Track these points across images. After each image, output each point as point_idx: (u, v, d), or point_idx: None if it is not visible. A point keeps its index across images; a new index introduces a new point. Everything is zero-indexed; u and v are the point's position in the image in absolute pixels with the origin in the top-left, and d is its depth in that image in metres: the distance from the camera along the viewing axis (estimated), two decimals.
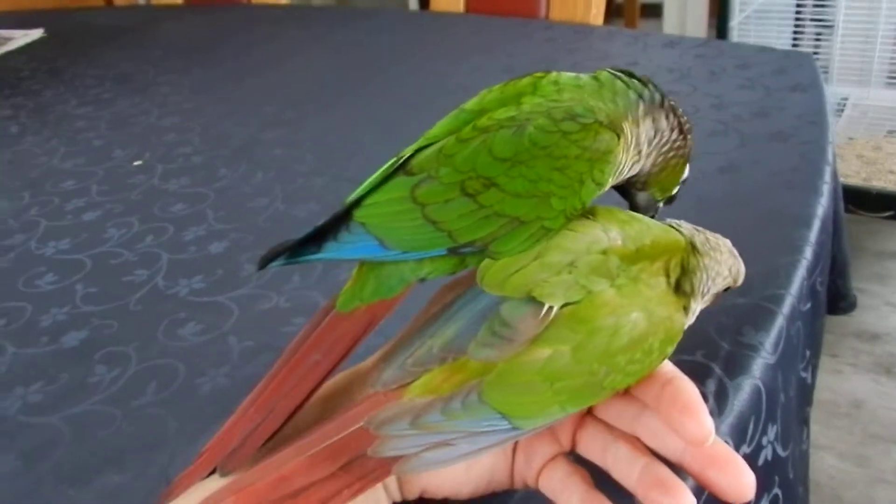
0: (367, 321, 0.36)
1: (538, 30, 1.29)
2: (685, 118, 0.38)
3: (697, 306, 0.36)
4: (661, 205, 0.42)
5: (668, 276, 0.34)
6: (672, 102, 0.38)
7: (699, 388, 0.45)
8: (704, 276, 0.36)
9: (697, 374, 0.46)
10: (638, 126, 0.36)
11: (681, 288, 0.34)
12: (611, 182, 0.36)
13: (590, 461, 0.35)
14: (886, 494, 1.31)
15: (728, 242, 0.38)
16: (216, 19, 1.71)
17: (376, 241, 0.34)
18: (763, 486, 0.48)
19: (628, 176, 0.38)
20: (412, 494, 0.38)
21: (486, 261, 0.33)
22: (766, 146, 0.76)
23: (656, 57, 1.07)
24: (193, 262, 0.71)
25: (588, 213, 0.35)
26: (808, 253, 0.58)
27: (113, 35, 1.65)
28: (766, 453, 0.48)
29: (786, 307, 0.52)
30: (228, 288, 0.66)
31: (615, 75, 0.37)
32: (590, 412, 0.36)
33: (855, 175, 1.79)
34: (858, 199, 1.70)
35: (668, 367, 0.33)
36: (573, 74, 0.37)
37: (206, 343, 0.59)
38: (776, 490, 0.49)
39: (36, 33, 1.71)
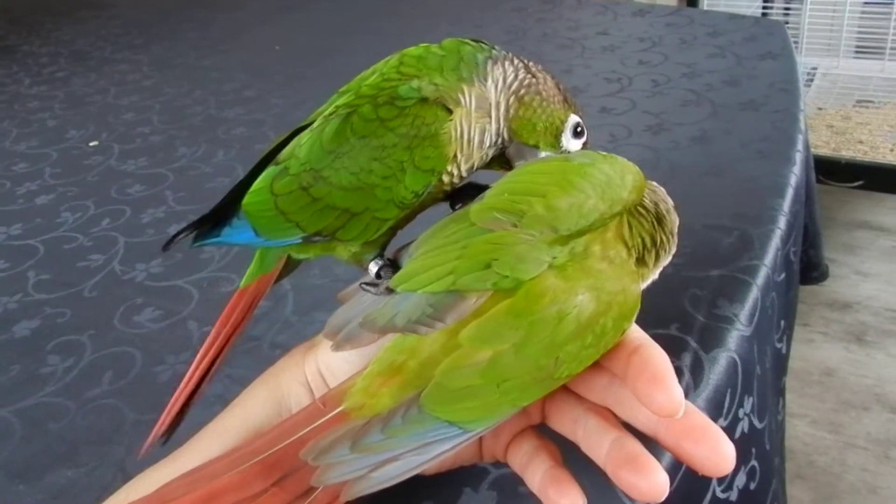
0: (254, 292, 0.39)
1: None
2: (533, 63, 0.36)
3: (657, 270, 0.34)
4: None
5: (627, 245, 0.31)
6: (517, 55, 0.36)
7: (674, 362, 0.44)
8: (663, 237, 0.33)
9: (672, 348, 0.45)
10: (486, 82, 0.34)
11: (643, 260, 0.32)
12: (463, 160, 0.34)
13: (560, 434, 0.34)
14: (857, 459, 1.33)
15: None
16: None
17: (252, 229, 0.37)
18: (740, 459, 0.47)
19: (496, 138, 0.35)
20: None
21: (407, 266, 0.31)
22: (738, 115, 0.75)
23: (626, 26, 1.05)
24: (151, 246, 0.68)
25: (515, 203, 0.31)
26: (782, 222, 0.57)
27: (68, 10, 1.59)
28: (743, 426, 0.47)
29: (760, 278, 0.51)
30: (188, 271, 0.63)
31: (461, 41, 0.35)
32: None
33: (824, 145, 1.80)
34: (828, 170, 1.71)
35: (635, 333, 0.31)
36: (423, 46, 0.36)
37: (165, 329, 0.57)
38: (753, 462, 0.48)
39: None
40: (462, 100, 0.33)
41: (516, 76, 0.35)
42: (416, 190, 0.33)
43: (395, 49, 0.36)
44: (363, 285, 0.34)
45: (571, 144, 0.36)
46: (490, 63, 0.34)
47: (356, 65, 0.39)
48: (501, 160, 0.37)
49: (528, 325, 0.28)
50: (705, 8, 1.98)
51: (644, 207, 0.33)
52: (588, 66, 0.94)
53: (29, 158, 0.90)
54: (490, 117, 0.34)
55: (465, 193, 0.37)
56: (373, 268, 0.36)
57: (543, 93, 0.35)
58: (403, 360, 0.30)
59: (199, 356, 0.39)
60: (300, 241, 0.36)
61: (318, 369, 0.35)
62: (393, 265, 0.36)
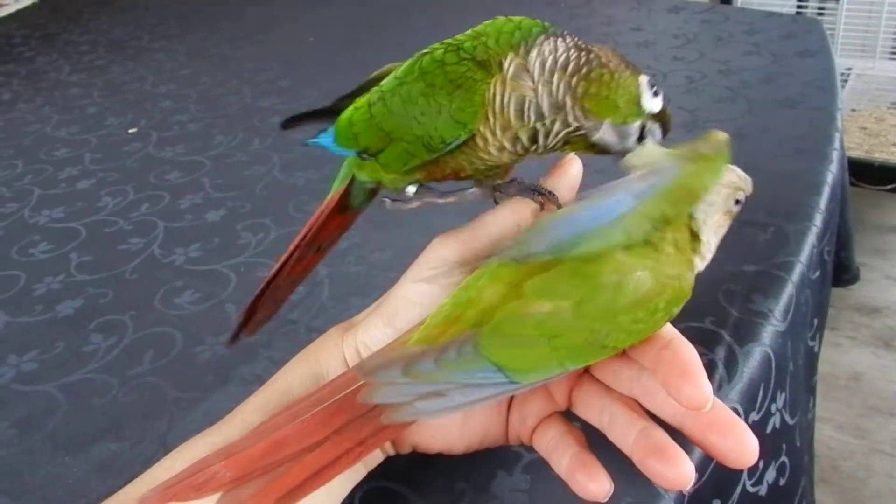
0: (329, 202, 0.42)
1: None
2: (584, 41, 0.35)
3: (711, 249, 0.34)
4: (649, 127, 0.35)
5: (694, 236, 0.32)
6: (572, 35, 0.35)
7: (709, 356, 0.44)
8: (706, 217, 0.33)
9: (706, 341, 0.45)
10: (530, 53, 0.34)
11: (694, 241, 0.33)
12: (499, 128, 0.34)
13: (586, 422, 0.34)
14: (883, 465, 1.32)
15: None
16: None
17: (332, 137, 0.40)
18: (771, 454, 0.47)
19: (550, 117, 0.34)
20: (405, 449, 0.37)
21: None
22: (775, 112, 0.74)
23: (661, 22, 1.05)
24: (190, 231, 0.69)
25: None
26: (818, 220, 0.56)
27: (106, 0, 1.61)
28: (775, 421, 0.47)
29: (795, 274, 0.51)
30: (226, 256, 0.65)
31: (533, 21, 0.36)
32: (587, 371, 0.35)
33: (857, 147, 1.77)
34: (860, 172, 1.69)
35: (666, 328, 0.32)
36: (498, 18, 0.37)
37: (204, 311, 0.58)
38: (783, 458, 0.49)
39: None
40: (504, 66, 0.34)
41: (568, 54, 0.34)
42: (445, 138, 0.34)
43: (427, 43, 0.38)
44: (385, 197, 0.38)
45: (653, 104, 0.34)
46: (542, 37, 0.35)
47: (387, 57, 0.40)
48: (589, 145, 0.35)
49: (588, 288, 0.30)
50: (739, 5, 1.96)
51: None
52: None
53: (70, 144, 0.92)
54: (532, 90, 0.34)
55: (508, 186, 0.38)
56: (411, 189, 0.38)
57: (610, 64, 0.34)
58: (462, 311, 0.31)
59: (287, 252, 0.42)
60: (355, 154, 0.39)
61: (357, 349, 0.36)
62: (426, 187, 0.38)
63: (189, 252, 0.66)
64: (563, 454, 0.33)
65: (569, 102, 0.34)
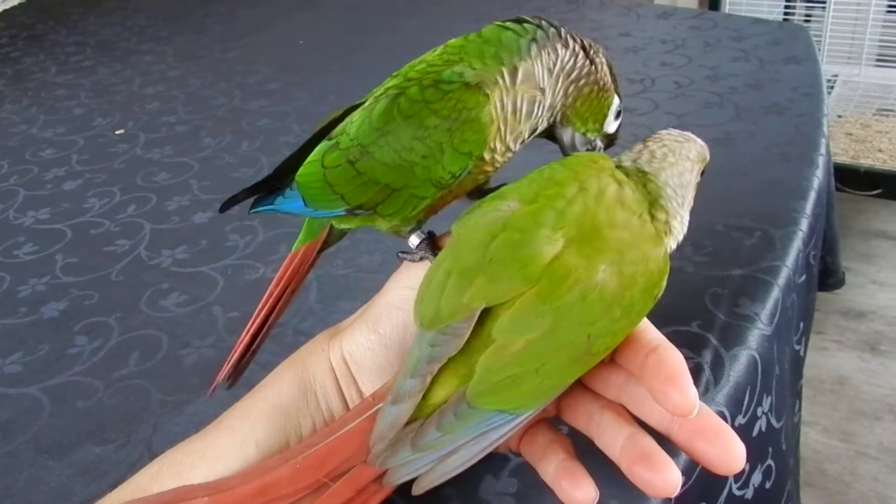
0: (302, 257, 0.42)
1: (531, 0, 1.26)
2: (589, 41, 0.37)
3: (681, 221, 0.34)
4: (598, 143, 0.39)
5: (639, 214, 0.31)
6: (571, 31, 0.36)
7: (695, 359, 0.44)
8: (670, 191, 0.33)
9: (693, 345, 0.45)
10: (533, 63, 0.35)
11: (655, 217, 0.32)
12: (509, 132, 0.35)
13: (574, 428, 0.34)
14: (869, 469, 1.33)
15: (672, 132, 0.35)
16: None
17: (301, 200, 0.39)
18: (757, 457, 0.47)
19: (549, 113, 0.36)
20: None
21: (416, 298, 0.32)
22: (762, 118, 0.75)
23: (650, 28, 1.05)
24: (177, 233, 0.69)
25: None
26: (804, 225, 0.57)
27: (94, 1, 1.60)
28: (761, 424, 0.47)
29: (781, 279, 0.51)
30: (213, 258, 0.64)
31: (502, 26, 0.36)
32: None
33: (843, 153, 1.79)
34: (846, 177, 1.70)
35: (652, 334, 0.32)
36: (463, 37, 0.37)
37: (191, 314, 0.58)
38: (769, 461, 0.49)
39: None
40: (500, 81, 0.34)
41: (574, 61, 0.36)
42: (453, 171, 0.34)
43: (416, 48, 0.38)
44: (400, 254, 0.37)
45: (611, 127, 0.39)
46: (535, 46, 0.35)
47: (378, 61, 0.40)
48: (549, 136, 0.38)
49: (554, 311, 0.29)
50: (727, 12, 1.97)
51: (631, 164, 0.33)
52: None
53: (56, 145, 0.92)
54: (542, 92, 0.35)
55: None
56: (414, 240, 0.38)
57: (601, 82, 0.37)
58: (443, 377, 0.31)
59: (255, 313, 0.42)
60: (344, 212, 0.38)
61: (343, 356, 0.36)
62: (431, 238, 0.38)
63: (176, 254, 0.66)
64: (549, 462, 0.33)
65: (558, 106, 0.36)
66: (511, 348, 0.29)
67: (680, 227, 0.33)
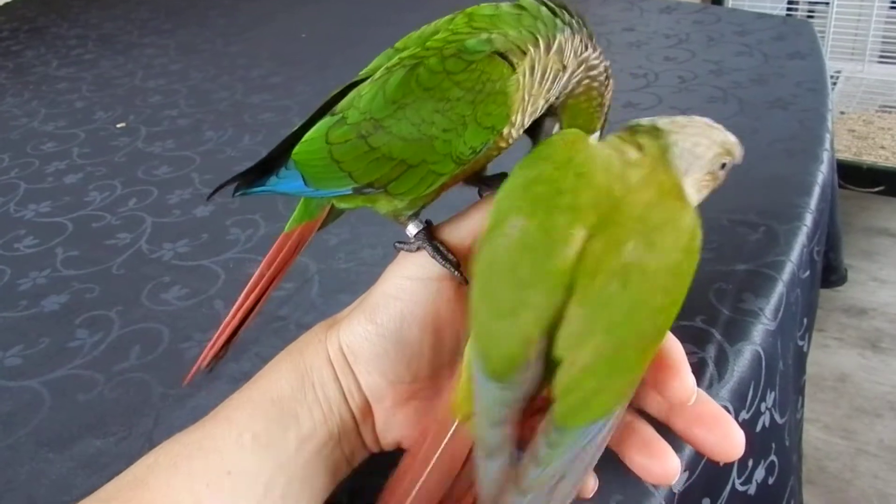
0: (298, 238, 0.41)
1: None
2: (608, 63, 0.37)
3: (698, 187, 0.32)
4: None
5: (648, 167, 0.30)
6: (596, 44, 0.36)
7: (699, 354, 0.44)
8: (678, 150, 0.31)
9: (697, 340, 0.45)
10: (562, 45, 0.34)
11: (668, 172, 0.31)
12: (531, 102, 0.33)
13: None
14: (869, 466, 1.33)
15: (705, 119, 0.33)
16: None
17: (301, 179, 0.37)
18: (760, 453, 0.47)
19: (553, 95, 0.35)
20: (389, 446, 0.37)
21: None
22: (766, 113, 0.75)
23: (653, 22, 1.05)
24: (178, 226, 0.69)
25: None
26: (809, 220, 0.57)
27: None
28: (765, 419, 0.47)
29: (786, 274, 0.51)
30: (214, 252, 0.64)
31: (542, 2, 0.34)
32: None
33: (846, 150, 1.79)
34: (849, 174, 1.70)
35: None
36: (493, 5, 0.35)
37: (192, 307, 0.57)
38: (773, 457, 0.49)
39: None
40: (532, 50, 0.32)
41: (599, 62, 0.35)
42: (474, 146, 0.32)
43: None
44: (397, 244, 0.37)
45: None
46: (569, 30, 0.34)
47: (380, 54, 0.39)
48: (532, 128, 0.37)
49: (602, 308, 0.28)
50: (731, 6, 1.96)
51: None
52: (614, 60, 0.93)
53: (57, 138, 0.91)
54: (564, 70, 0.34)
55: (493, 180, 0.38)
56: (412, 229, 0.36)
57: (605, 97, 0.37)
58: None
59: (242, 295, 0.41)
60: (350, 191, 0.36)
61: (340, 346, 0.36)
62: (428, 228, 0.36)
63: (177, 247, 0.65)
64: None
65: (567, 90, 0.35)
66: (579, 362, 0.28)
67: (700, 194, 0.33)
